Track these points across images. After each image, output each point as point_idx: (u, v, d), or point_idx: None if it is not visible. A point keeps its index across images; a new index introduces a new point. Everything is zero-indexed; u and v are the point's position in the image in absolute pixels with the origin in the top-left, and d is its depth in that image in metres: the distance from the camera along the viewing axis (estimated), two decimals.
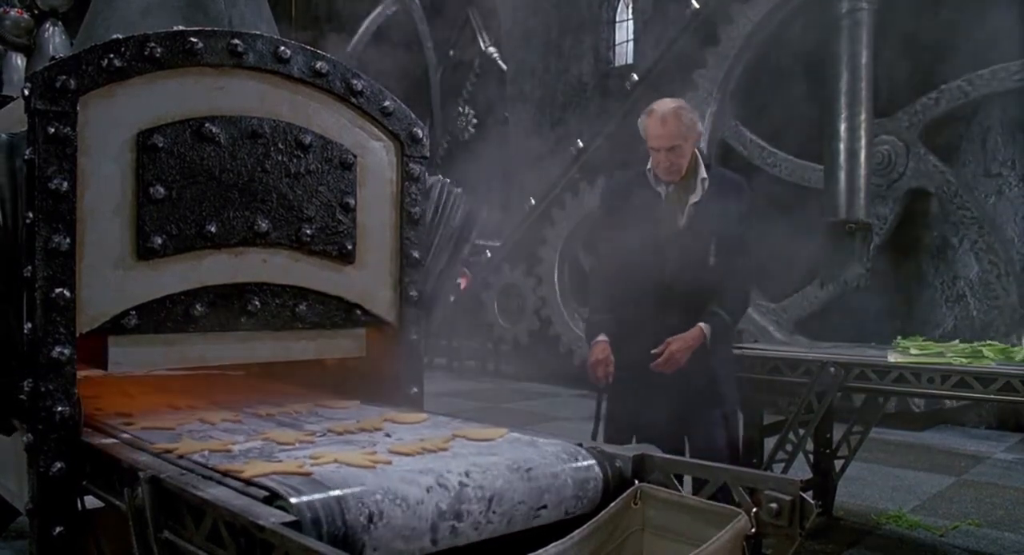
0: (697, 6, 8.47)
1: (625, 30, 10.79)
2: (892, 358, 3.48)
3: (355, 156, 2.26)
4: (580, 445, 1.71)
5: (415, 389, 2.41)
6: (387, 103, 2.32)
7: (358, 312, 2.29)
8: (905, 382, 3.43)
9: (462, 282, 12.43)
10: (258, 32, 2.16)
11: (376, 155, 2.31)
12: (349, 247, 2.24)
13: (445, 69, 14.52)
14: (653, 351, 3.05)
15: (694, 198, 3.12)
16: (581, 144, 9.46)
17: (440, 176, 2.69)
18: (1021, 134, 7.32)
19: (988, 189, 7.44)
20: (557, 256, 9.94)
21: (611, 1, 10.63)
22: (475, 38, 14.32)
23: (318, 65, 2.19)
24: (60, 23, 4.78)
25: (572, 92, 10.78)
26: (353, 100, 2.26)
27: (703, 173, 3.15)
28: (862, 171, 6.32)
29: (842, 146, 6.50)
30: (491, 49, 13.95)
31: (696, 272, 3.07)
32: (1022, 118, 7.24)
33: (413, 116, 2.37)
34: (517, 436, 1.83)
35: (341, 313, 2.26)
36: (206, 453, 1.61)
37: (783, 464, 3.86)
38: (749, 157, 8.42)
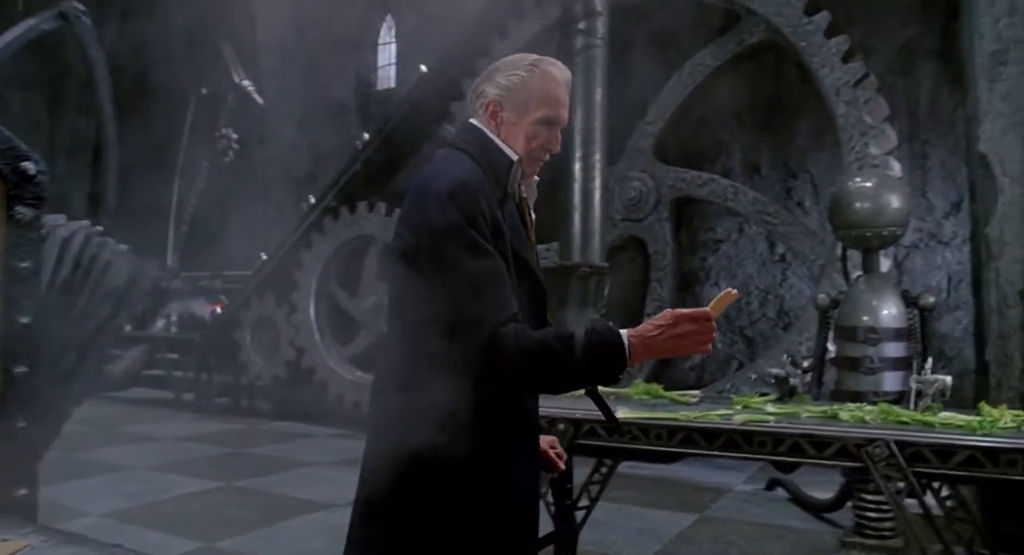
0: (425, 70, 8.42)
1: (388, 53, 10.50)
2: (620, 413, 3.32)
3: None
4: None
5: (24, 491, 1.90)
6: None
7: None
8: (634, 438, 3.30)
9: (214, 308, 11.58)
10: None
11: None
12: None
13: (197, 102, 13.59)
14: None
15: (532, 200, 2.10)
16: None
17: (88, 224, 2.21)
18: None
19: (730, 227, 7.76)
20: (314, 284, 9.41)
21: (374, 23, 10.34)
22: (228, 72, 13.46)
23: None
24: None
25: (333, 115, 10.35)
26: None
27: None
28: (596, 213, 6.28)
29: (577, 186, 6.42)
30: (246, 82, 13.19)
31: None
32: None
33: (23, 147, 1.87)
34: None
35: None
36: None
37: None
38: None
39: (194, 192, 13.62)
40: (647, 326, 1.77)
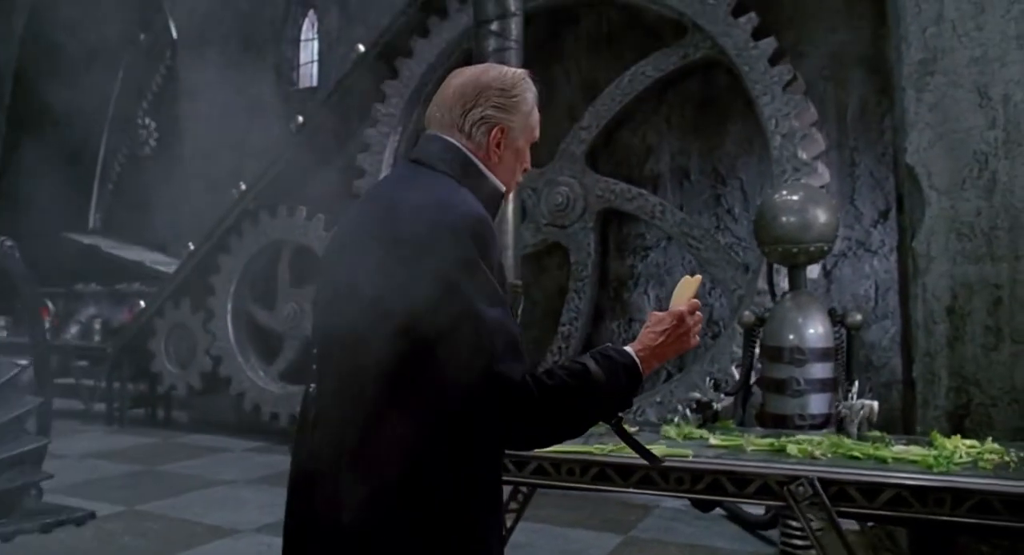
0: (363, 49, 8.13)
1: (310, 50, 10.14)
2: None
3: None
4: None
5: None
6: None
7: None
8: (545, 474, 3.10)
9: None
10: None
11: None
12: None
13: (135, 48, 12.84)
14: None
15: None
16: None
17: None
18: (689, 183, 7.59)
19: (659, 233, 7.62)
20: (230, 305, 9.04)
21: (296, 18, 9.94)
22: (167, 28, 12.71)
23: None
24: None
25: (252, 114, 9.93)
26: None
27: None
28: (510, 227, 6.00)
29: None
30: None
31: None
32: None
33: None
34: None
35: None
36: None
37: None
38: None
39: (121, 152, 13.00)
40: (648, 334, 1.72)
